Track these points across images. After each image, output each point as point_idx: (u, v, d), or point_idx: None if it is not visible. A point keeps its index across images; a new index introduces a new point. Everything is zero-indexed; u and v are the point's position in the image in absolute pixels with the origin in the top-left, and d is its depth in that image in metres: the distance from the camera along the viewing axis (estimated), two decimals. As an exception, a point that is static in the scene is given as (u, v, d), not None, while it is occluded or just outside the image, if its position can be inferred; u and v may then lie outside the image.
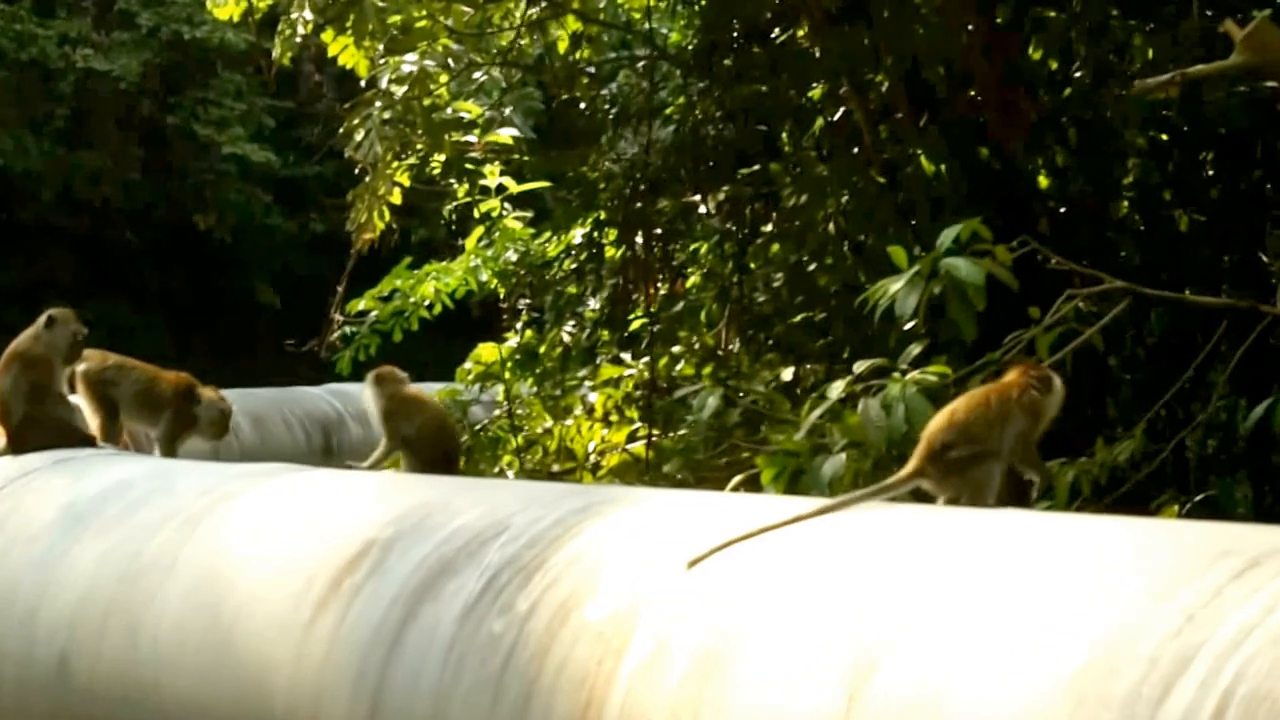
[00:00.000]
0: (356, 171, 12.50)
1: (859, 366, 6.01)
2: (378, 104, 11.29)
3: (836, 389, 5.97)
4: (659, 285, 12.20)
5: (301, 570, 4.41)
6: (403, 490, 4.76)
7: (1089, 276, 6.46)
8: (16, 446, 6.35)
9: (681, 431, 10.84)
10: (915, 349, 6.04)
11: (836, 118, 10.73)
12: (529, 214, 13.88)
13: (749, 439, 7.29)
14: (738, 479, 6.43)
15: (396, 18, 11.44)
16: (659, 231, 12.05)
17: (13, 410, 6.43)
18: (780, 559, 3.53)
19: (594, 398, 11.54)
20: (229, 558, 4.69)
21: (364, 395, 6.44)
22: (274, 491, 4.99)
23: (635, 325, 12.26)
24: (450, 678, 3.84)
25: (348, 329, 13.73)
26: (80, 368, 6.69)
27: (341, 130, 11.91)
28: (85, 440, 6.48)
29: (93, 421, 6.68)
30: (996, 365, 6.26)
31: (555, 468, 11.20)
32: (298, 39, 11.64)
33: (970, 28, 9.49)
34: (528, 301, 13.37)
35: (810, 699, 3.16)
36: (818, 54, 9.76)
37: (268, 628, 4.36)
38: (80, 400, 6.77)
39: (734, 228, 11.49)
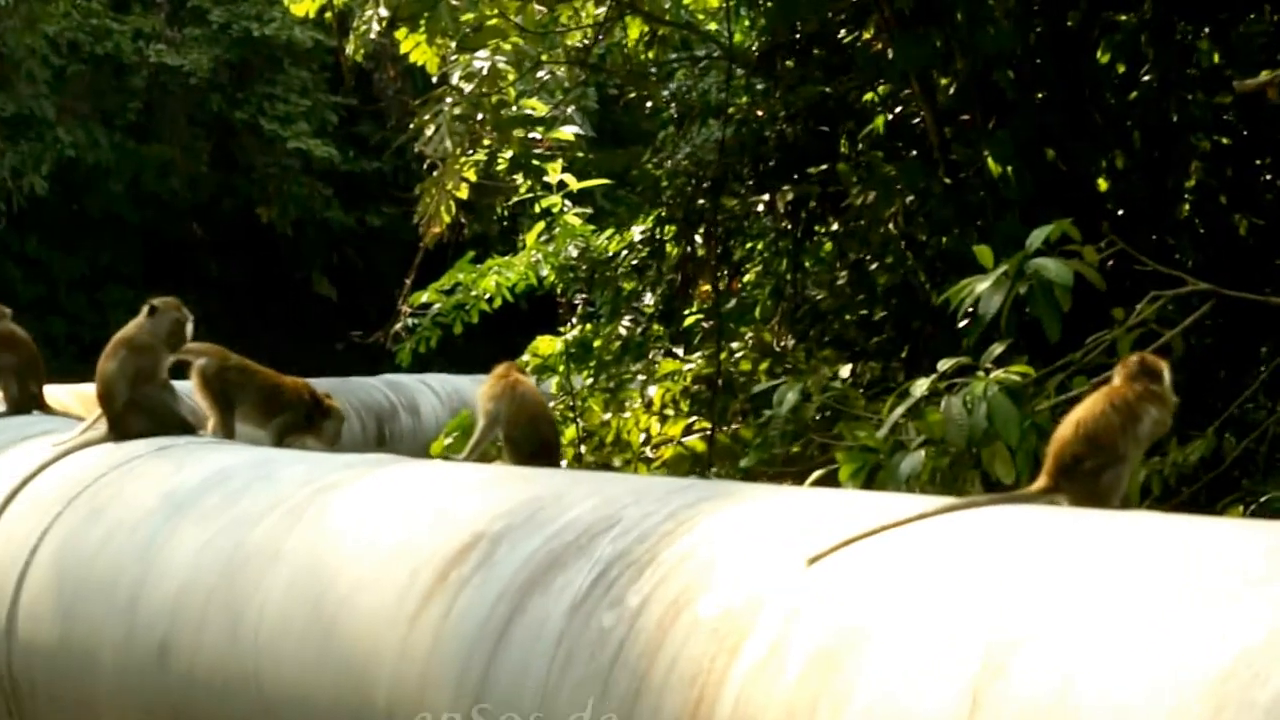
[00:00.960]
0: (425, 166, 12.47)
1: (943, 364, 5.89)
2: (448, 100, 11.24)
3: (921, 386, 5.85)
4: (717, 281, 12.14)
5: (407, 562, 4.29)
6: (512, 483, 4.63)
7: (1173, 278, 6.33)
8: (120, 432, 6.31)
9: (734, 426, 10.79)
10: (998, 348, 5.91)
11: (896, 118, 10.66)
12: (588, 210, 13.88)
13: (823, 435, 7.19)
14: (817, 474, 6.33)
15: (469, 15, 11.41)
16: (717, 229, 11.98)
17: (117, 395, 6.39)
18: (901, 557, 3.40)
19: (652, 391, 11.48)
20: (333, 549, 4.56)
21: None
22: (378, 482, 4.87)
23: (689, 321, 12.23)
24: (558, 672, 3.71)
25: (410, 321, 13.74)
26: (199, 362, 6.65)
27: (413, 125, 11.89)
28: (185, 428, 6.43)
29: (210, 417, 6.64)
30: (1077, 365, 6.17)
31: (616, 460, 11.13)
32: (372, 36, 11.62)
33: (1040, 30, 9.41)
34: (584, 296, 13.35)
35: (934, 700, 3.02)
36: (889, 55, 9.64)
37: (372, 619, 4.24)
38: (196, 395, 6.72)
39: (790, 226, 11.42)
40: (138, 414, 6.33)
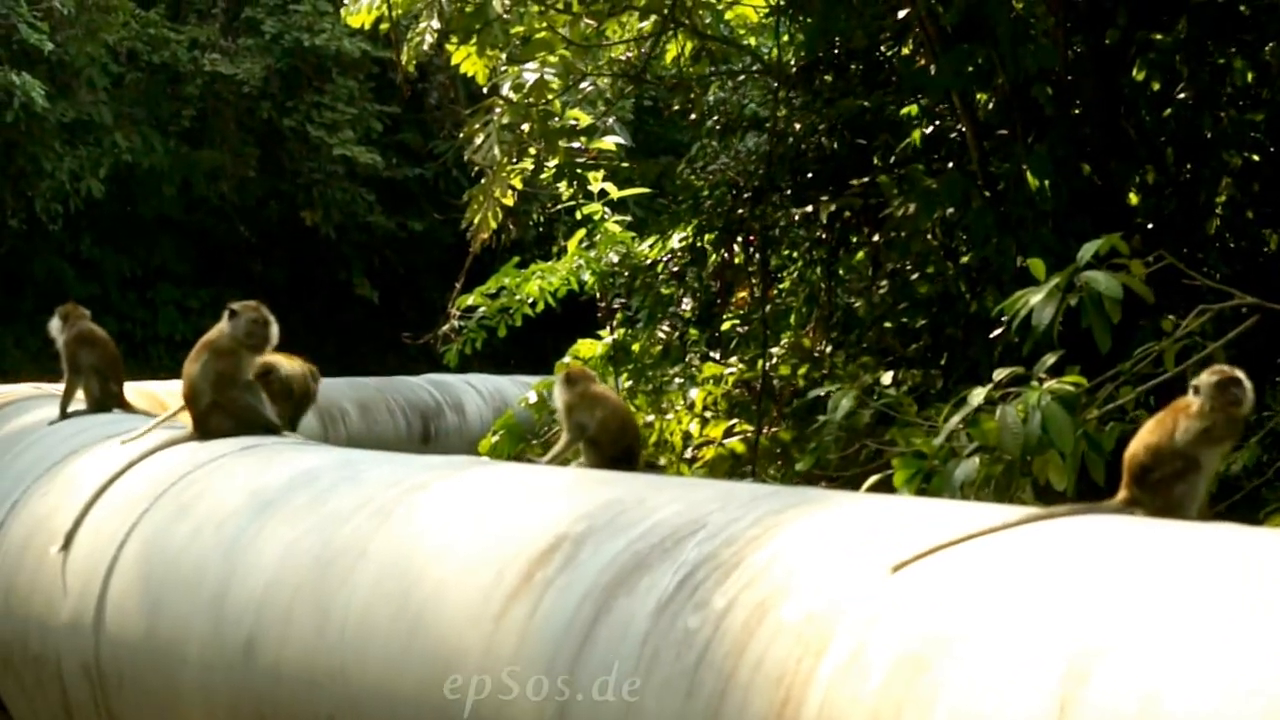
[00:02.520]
0: (474, 174, 12.48)
1: (998, 374, 5.86)
2: (497, 110, 11.24)
3: (978, 395, 5.81)
4: (754, 288, 12.13)
5: (492, 562, 4.26)
6: (594, 486, 4.60)
7: (1217, 292, 6.29)
8: (203, 431, 6.30)
9: (773, 429, 10.77)
10: (1050, 358, 5.87)
11: (936, 133, 10.63)
12: (627, 218, 13.90)
13: (876, 441, 7.14)
14: (873, 479, 6.29)
15: (519, 29, 11.43)
16: (755, 238, 11.96)
17: (201, 396, 6.37)
18: (984, 565, 3.36)
19: (693, 394, 11.48)
20: (418, 548, 4.53)
21: (554, 392, 6.24)
22: (463, 484, 4.84)
23: (726, 326, 12.22)
24: (644, 672, 3.69)
25: (456, 323, 13.79)
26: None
27: (462, 134, 11.89)
28: (269, 428, 6.41)
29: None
30: (1126, 376, 6.13)
31: (660, 460, 11.12)
32: (425, 48, 11.63)
33: (1078, 49, 9.36)
34: (622, 301, 13.35)
35: (1020, 706, 2.98)
36: (931, 71, 9.60)
37: (457, 617, 4.21)
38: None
39: (825, 236, 11.40)
40: (222, 415, 6.33)
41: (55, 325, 7.80)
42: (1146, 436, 4.01)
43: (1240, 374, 4.04)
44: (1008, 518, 3.53)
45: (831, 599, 3.47)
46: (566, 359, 12.62)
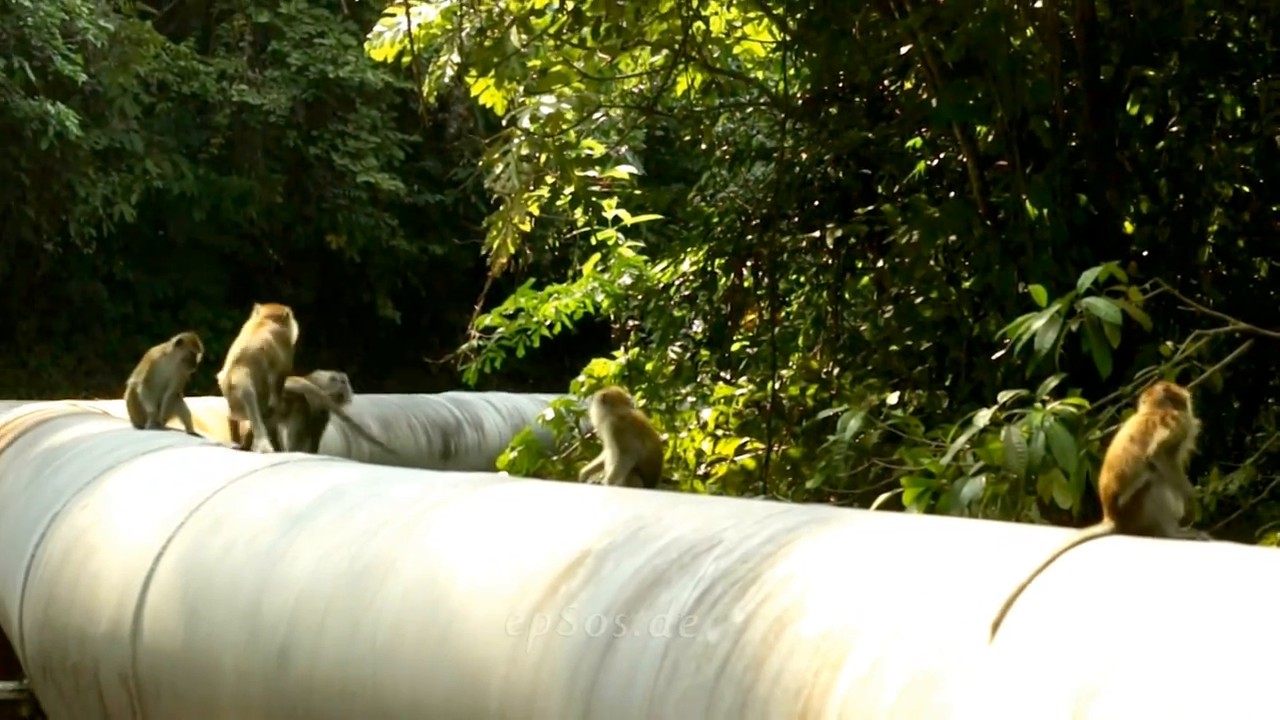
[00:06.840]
0: (493, 200, 12.50)
1: (1003, 396, 5.84)
2: (515, 140, 11.27)
3: (983, 417, 5.80)
4: (763, 312, 12.14)
5: (517, 576, 4.23)
6: (614, 503, 4.57)
7: (1211, 318, 6.29)
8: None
9: (782, 447, 10.76)
10: (1053, 381, 5.85)
11: (937, 163, 10.64)
12: (640, 243, 13.92)
13: (885, 460, 7.12)
14: (882, 498, 6.27)
15: (535, 62, 11.46)
16: (763, 263, 11.97)
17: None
18: (997, 585, 3.34)
19: (706, 413, 11.47)
20: (445, 562, 4.51)
21: (590, 413, 6.13)
22: (486, 500, 4.82)
23: (736, 347, 12.22)
24: (664, 684, 3.65)
25: (476, 343, 13.81)
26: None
27: (481, 163, 11.92)
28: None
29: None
30: (1127, 399, 6.10)
31: (675, 476, 11.10)
32: (445, 80, 11.66)
33: (1074, 84, 9.37)
34: (635, 322, 13.36)
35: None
36: (934, 104, 9.61)
37: (483, 629, 4.18)
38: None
39: (832, 261, 11.41)
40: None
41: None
42: (1110, 460, 3.88)
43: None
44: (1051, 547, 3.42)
45: (847, 615, 3.44)
46: (581, 378, 12.62)
